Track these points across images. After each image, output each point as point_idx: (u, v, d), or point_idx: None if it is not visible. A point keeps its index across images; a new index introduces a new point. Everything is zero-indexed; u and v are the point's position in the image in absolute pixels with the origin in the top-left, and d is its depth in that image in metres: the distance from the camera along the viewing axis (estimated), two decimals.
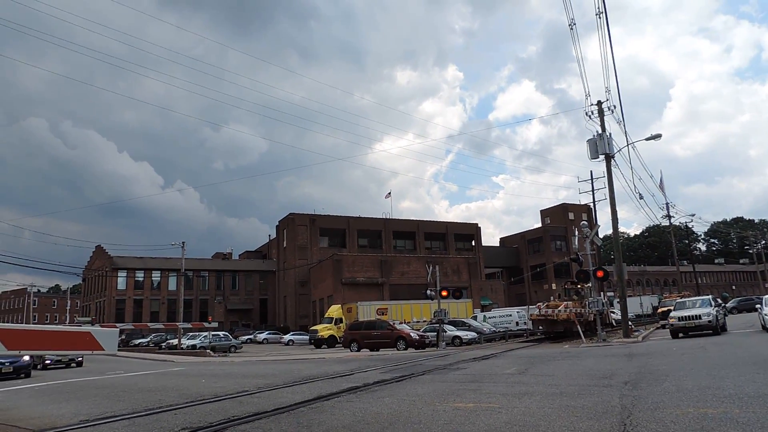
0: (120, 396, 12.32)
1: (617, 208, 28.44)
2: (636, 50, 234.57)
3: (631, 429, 5.81)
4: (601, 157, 27.93)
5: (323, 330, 44.45)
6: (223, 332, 51.26)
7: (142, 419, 8.43)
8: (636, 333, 28.78)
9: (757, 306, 25.28)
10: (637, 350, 18.27)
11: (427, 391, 10.19)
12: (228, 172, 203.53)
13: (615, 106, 28.86)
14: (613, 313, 41.31)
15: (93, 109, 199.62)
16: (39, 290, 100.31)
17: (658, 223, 57.66)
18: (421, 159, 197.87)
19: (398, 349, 29.85)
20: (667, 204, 53.32)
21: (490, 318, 44.32)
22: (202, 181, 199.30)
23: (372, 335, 31.87)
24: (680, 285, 70.04)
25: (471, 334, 34.87)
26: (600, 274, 27.15)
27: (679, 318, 23.25)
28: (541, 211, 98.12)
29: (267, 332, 62.10)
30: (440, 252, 78.09)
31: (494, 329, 39.36)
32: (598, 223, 46.71)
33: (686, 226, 69.55)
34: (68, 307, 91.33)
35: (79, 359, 29.27)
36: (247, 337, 60.25)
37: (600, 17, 22.29)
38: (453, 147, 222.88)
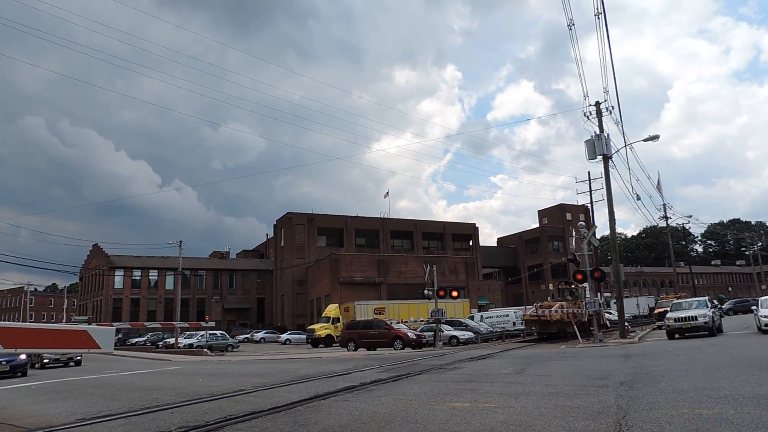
0: (116, 395, 12.31)
1: (615, 209, 28.51)
2: (634, 51, 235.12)
3: (626, 429, 5.83)
4: (599, 157, 27.98)
5: (320, 329, 44.43)
6: (220, 331, 51.22)
7: (139, 418, 8.43)
8: (632, 334, 28.85)
9: (753, 308, 25.36)
10: (633, 351, 18.30)
11: (423, 390, 10.20)
12: (226, 172, 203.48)
13: (613, 107, 28.90)
14: (609, 313, 41.37)
15: (91, 108, 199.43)
16: (36, 289, 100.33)
17: (656, 224, 57.74)
18: (419, 159, 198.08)
19: (395, 349, 29.87)
20: (664, 205, 53.52)
21: (487, 318, 44.39)
22: (201, 180, 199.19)
23: (369, 335, 31.88)
24: (677, 286, 70.13)
25: (468, 334, 34.90)
26: (597, 274, 27.21)
27: (675, 319, 23.32)
28: (539, 212, 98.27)
29: (264, 331, 62.07)
30: (438, 252, 78.12)
31: (491, 329, 39.42)
32: (596, 223, 46.77)
33: (683, 227, 69.78)
34: (65, 306, 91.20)
35: (78, 358, 29.11)
36: (244, 336, 60.21)
37: (599, 18, 22.38)
38: (451, 147, 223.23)
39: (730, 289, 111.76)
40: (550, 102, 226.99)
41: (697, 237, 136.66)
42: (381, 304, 48.10)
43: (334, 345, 41.27)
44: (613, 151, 28.51)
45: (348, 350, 31.50)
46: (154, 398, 11.00)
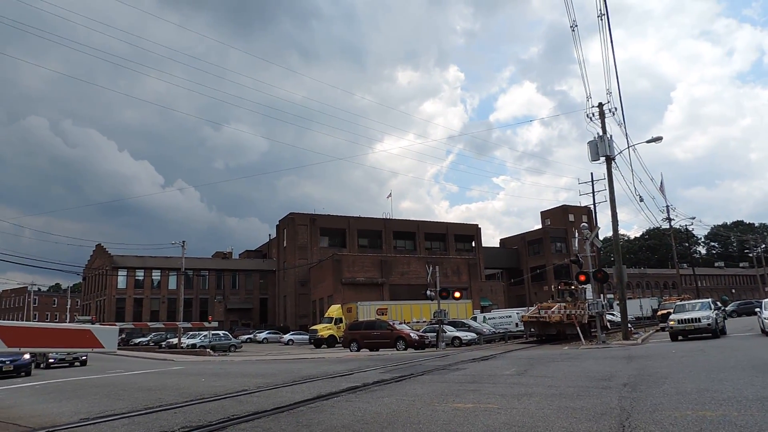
0: (120, 395, 12.34)
1: (617, 211, 28.48)
2: (637, 53, 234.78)
3: (629, 431, 5.83)
4: (602, 159, 27.94)
5: (323, 330, 44.47)
6: (223, 331, 51.28)
7: (142, 418, 8.45)
8: (635, 335, 28.80)
9: (757, 309, 25.27)
10: (636, 352, 18.27)
11: (426, 391, 10.20)
12: (228, 172, 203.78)
13: (616, 109, 28.93)
14: (612, 315, 41.25)
15: (94, 107, 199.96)
16: (39, 289, 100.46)
17: (659, 225, 57.70)
18: (421, 159, 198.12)
19: (398, 350, 29.87)
20: (667, 207, 53.39)
21: (489, 319, 44.35)
22: (203, 180, 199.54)
23: (372, 335, 31.89)
24: (680, 288, 70.03)
25: (470, 335, 34.87)
26: (600, 275, 27.16)
27: (678, 321, 23.28)
28: (542, 213, 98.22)
29: (267, 332, 62.13)
30: (440, 252, 78.10)
31: (494, 330, 39.39)
32: (599, 225, 46.80)
33: (686, 229, 69.63)
34: (68, 306, 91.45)
35: (83, 358, 29.06)
36: (246, 336, 60.29)
37: (602, 19, 22.30)
38: (453, 147, 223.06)
39: (733, 291, 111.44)
40: (552, 103, 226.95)
41: (701, 239, 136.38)
42: (383, 305, 48.12)
43: (336, 345, 41.29)
44: (616, 153, 28.47)
45: (351, 351, 31.51)
46: (157, 398, 11.02)
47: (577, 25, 23.94)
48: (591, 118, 28.66)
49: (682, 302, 28.92)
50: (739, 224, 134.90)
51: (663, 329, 32.04)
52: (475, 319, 44.13)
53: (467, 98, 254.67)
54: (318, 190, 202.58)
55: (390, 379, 12.59)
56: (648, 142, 29.20)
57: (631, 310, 41.45)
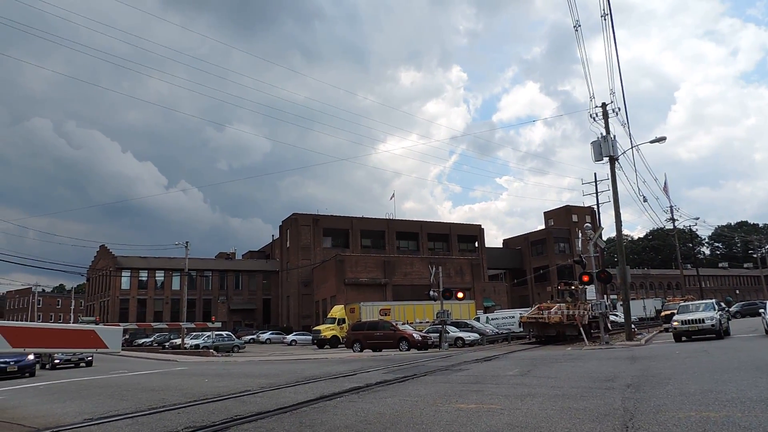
0: (123, 395, 12.37)
1: (621, 211, 28.47)
2: (641, 53, 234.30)
3: (633, 431, 5.82)
4: (605, 159, 27.90)
5: (326, 330, 44.49)
6: (226, 332, 51.36)
7: (146, 418, 8.47)
8: (639, 336, 28.73)
9: (761, 310, 25.24)
10: (639, 353, 18.23)
11: (429, 391, 10.20)
12: (231, 172, 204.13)
13: (619, 109, 28.79)
14: (615, 315, 41.16)
15: (97, 109, 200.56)
16: (43, 290, 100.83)
17: (662, 226, 57.53)
18: (424, 160, 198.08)
19: (401, 350, 29.87)
20: (671, 207, 53.26)
21: (492, 319, 44.27)
22: (206, 181, 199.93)
23: (375, 336, 31.89)
24: (684, 288, 69.78)
25: (474, 336, 34.84)
26: (603, 276, 27.12)
27: (682, 321, 23.21)
28: (545, 213, 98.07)
29: (270, 332, 62.20)
30: (443, 253, 78.07)
31: (497, 331, 39.32)
32: (602, 225, 46.55)
33: (690, 229, 69.51)
34: (72, 307, 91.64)
35: (89, 358, 29.06)
36: (250, 337, 60.38)
37: (605, 19, 22.29)
38: (456, 148, 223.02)
39: (737, 291, 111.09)
40: (555, 103, 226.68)
41: (705, 239, 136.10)
42: (386, 305, 48.11)
43: (339, 346, 41.30)
44: (619, 153, 28.43)
45: (353, 351, 31.52)
46: (161, 398, 11.05)
47: (580, 25, 23.91)
48: (594, 119, 28.64)
49: (686, 303, 28.84)
50: (743, 225, 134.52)
51: (666, 330, 31.92)
52: (478, 319, 44.06)
53: (470, 98, 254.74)
54: (321, 190, 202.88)
55: (393, 380, 12.59)
56: (652, 142, 29.13)
57: (635, 310, 41.40)
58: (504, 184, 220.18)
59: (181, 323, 46.98)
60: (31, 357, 22.54)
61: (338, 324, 45.23)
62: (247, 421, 7.66)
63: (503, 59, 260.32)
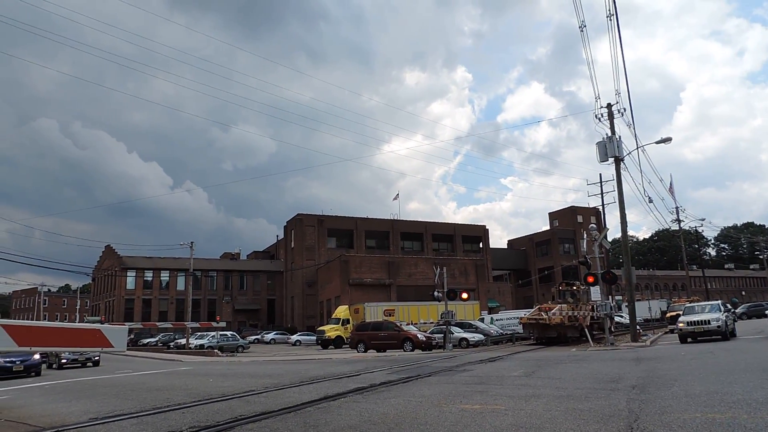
0: (128, 395, 12.40)
1: (626, 212, 28.35)
2: (646, 53, 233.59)
3: None
4: (611, 160, 27.83)
5: (330, 331, 44.52)
6: (231, 332, 51.46)
7: (150, 418, 8.50)
8: (644, 337, 28.61)
9: (767, 312, 25.07)
10: (645, 354, 18.16)
11: (433, 392, 10.19)
12: (236, 173, 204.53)
13: (625, 109, 28.82)
14: (620, 316, 40.97)
15: (103, 109, 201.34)
16: (49, 290, 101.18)
17: (668, 227, 57.45)
18: (429, 160, 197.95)
19: (405, 351, 29.85)
20: (676, 208, 53.03)
21: (497, 320, 44.21)
22: (211, 181, 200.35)
23: (379, 336, 31.88)
24: (689, 290, 69.47)
25: (478, 336, 34.78)
26: (608, 277, 27.04)
27: (688, 323, 23.12)
28: (550, 214, 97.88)
29: (274, 332, 62.26)
30: (448, 253, 77.98)
31: (501, 331, 39.25)
32: (607, 226, 46.49)
33: (696, 230, 69.20)
34: (78, 307, 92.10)
35: (96, 358, 28.98)
36: (254, 337, 60.44)
37: (611, 19, 22.22)
38: (461, 148, 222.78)
39: (743, 293, 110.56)
40: (560, 104, 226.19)
41: (710, 240, 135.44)
42: (391, 306, 48.09)
43: (343, 346, 41.32)
44: (624, 154, 28.35)
45: (358, 352, 31.53)
46: (165, 398, 11.08)
47: (585, 26, 23.86)
48: (599, 119, 28.57)
49: (692, 304, 28.71)
50: (749, 226, 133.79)
51: (672, 331, 31.81)
52: (482, 320, 44.00)
53: (475, 99, 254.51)
54: (325, 191, 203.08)
55: (397, 380, 12.59)
56: (657, 143, 29.05)
57: (640, 312, 41.18)
58: (509, 184, 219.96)
59: (185, 323, 47.08)
60: (36, 356, 22.64)
61: (342, 324, 45.25)
62: (251, 420, 7.67)
63: (508, 60, 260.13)
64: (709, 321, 22.57)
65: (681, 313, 26.53)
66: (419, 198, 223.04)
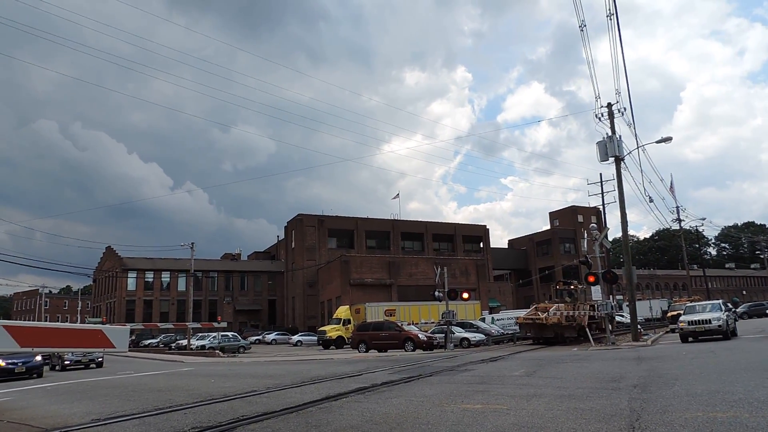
0: (130, 396, 12.42)
1: (627, 211, 28.32)
2: (647, 53, 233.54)
3: (639, 431, 5.81)
4: (611, 159, 27.81)
5: (331, 331, 44.54)
6: (232, 333, 51.49)
7: (152, 419, 8.51)
8: (645, 337, 28.59)
9: None
10: (646, 354, 18.17)
11: (435, 392, 10.20)
12: (236, 173, 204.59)
13: (625, 109, 28.76)
14: (621, 316, 40.95)
15: (103, 110, 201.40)
16: (50, 291, 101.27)
17: (668, 226, 57.38)
18: (429, 160, 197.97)
19: (406, 351, 29.85)
20: (677, 207, 53.04)
21: (498, 320, 44.23)
22: (211, 182, 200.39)
23: (380, 336, 31.89)
24: (690, 289, 69.43)
25: (479, 336, 34.78)
26: (609, 276, 27.03)
27: (689, 322, 23.11)
28: (550, 214, 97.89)
29: (275, 333, 62.29)
30: (448, 253, 78.00)
31: (502, 331, 39.25)
32: (608, 225, 46.52)
33: (697, 230, 69.22)
34: (79, 308, 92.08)
35: (99, 359, 28.95)
36: (255, 337, 60.47)
37: (611, 19, 22.21)
38: (461, 148, 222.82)
39: (744, 292, 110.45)
40: (561, 104, 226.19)
41: (711, 240, 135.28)
42: (392, 306, 48.11)
43: (345, 346, 41.33)
44: (625, 153, 28.33)
45: (359, 352, 31.53)
46: (167, 399, 11.09)
47: (585, 25, 23.85)
48: (600, 119, 28.55)
49: (693, 303, 28.69)
50: (750, 225, 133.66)
51: (673, 331, 31.79)
52: (483, 320, 44.02)
53: (475, 99, 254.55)
54: (326, 191, 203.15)
55: (398, 380, 12.60)
56: (657, 142, 29.04)
57: (641, 311, 41.12)
58: (509, 184, 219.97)
59: (187, 324, 47.11)
60: (38, 358, 22.67)
61: (343, 324, 45.27)
62: (253, 421, 7.69)
63: (508, 59, 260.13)
64: (710, 320, 22.56)
65: (682, 312, 26.52)
66: (419, 198, 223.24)
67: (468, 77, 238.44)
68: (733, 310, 34.69)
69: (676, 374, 11.15)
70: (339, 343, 43.04)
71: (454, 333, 32.74)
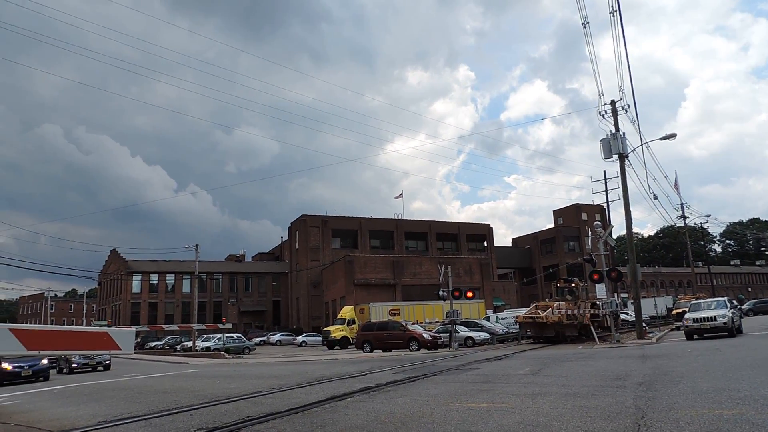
0: (136, 398, 12.47)
1: (631, 209, 28.26)
2: (650, 49, 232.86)
3: (645, 429, 5.80)
4: (615, 156, 27.75)
5: (336, 331, 44.58)
6: (237, 334, 51.61)
7: (159, 420, 8.55)
8: (650, 334, 28.53)
9: None
10: (651, 352, 18.13)
11: (440, 391, 10.21)
12: (240, 175, 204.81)
13: (629, 106, 28.73)
14: (626, 314, 40.81)
15: (106, 114, 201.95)
16: (56, 295, 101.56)
17: (673, 223, 57.07)
18: (432, 159, 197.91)
19: (411, 350, 29.86)
20: (681, 204, 52.91)
21: (502, 319, 44.15)
22: (215, 183, 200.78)
23: (384, 336, 31.90)
24: (695, 286, 69.24)
25: (483, 335, 34.76)
26: (614, 274, 26.98)
27: (694, 319, 23.04)
28: (554, 212, 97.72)
29: (280, 334, 62.39)
30: (452, 253, 77.97)
31: (507, 330, 39.19)
32: (612, 223, 46.32)
33: (701, 227, 68.89)
34: (85, 311, 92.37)
35: (107, 362, 28.95)
36: (260, 338, 60.57)
37: (614, 16, 22.18)
38: (465, 147, 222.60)
39: (749, 289, 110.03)
40: (564, 101, 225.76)
41: (716, 237, 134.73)
42: (396, 306, 48.12)
43: (349, 347, 41.36)
44: (629, 150, 28.26)
45: (363, 352, 31.56)
46: (173, 400, 11.13)
47: (588, 22, 23.80)
48: (603, 116, 28.49)
49: (698, 301, 28.59)
50: (755, 222, 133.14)
51: (678, 328, 31.69)
52: (488, 319, 43.98)
53: (478, 97, 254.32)
54: (329, 191, 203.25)
55: (403, 380, 12.61)
56: (662, 139, 28.95)
57: (646, 309, 41.00)
58: (513, 182, 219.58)
59: (192, 326, 47.21)
60: (44, 361, 22.77)
61: (348, 325, 45.30)
62: (259, 421, 7.71)
63: (511, 58, 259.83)
64: (715, 318, 22.49)
65: (687, 310, 26.43)
66: (423, 197, 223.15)
67: (471, 76, 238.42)
68: (739, 307, 34.55)
69: (681, 372, 11.13)
70: (343, 343, 43.08)
71: (458, 332, 32.72)
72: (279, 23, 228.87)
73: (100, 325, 71.67)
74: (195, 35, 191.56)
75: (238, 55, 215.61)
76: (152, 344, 59.85)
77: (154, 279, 75.55)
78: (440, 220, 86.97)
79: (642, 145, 30.47)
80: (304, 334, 56.98)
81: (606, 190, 45.42)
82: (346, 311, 48.27)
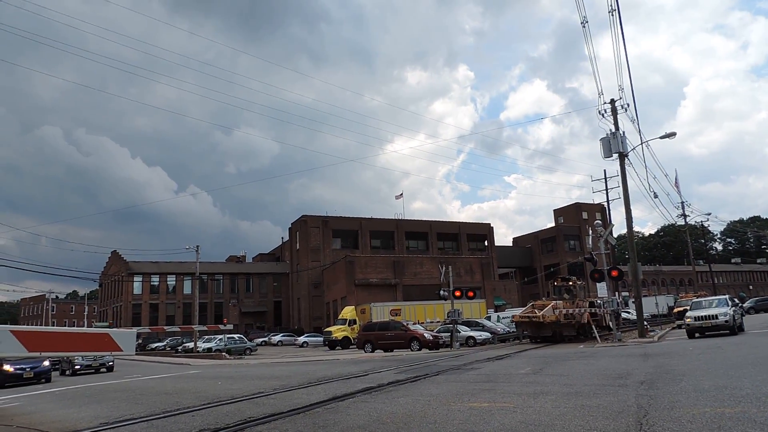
0: (138, 399, 12.47)
1: (631, 207, 28.25)
2: (649, 48, 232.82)
3: (647, 428, 5.79)
4: (615, 155, 27.74)
5: (337, 331, 44.58)
6: (238, 335, 51.60)
7: (160, 421, 8.55)
8: (651, 333, 28.50)
9: None
10: (652, 350, 18.12)
11: (441, 391, 10.21)
12: (240, 176, 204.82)
13: (628, 105, 28.67)
14: (627, 312, 40.79)
15: (106, 115, 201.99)
16: (57, 296, 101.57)
17: (674, 222, 57.10)
18: (432, 159, 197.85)
19: (412, 350, 29.86)
20: (682, 203, 52.91)
21: (503, 318, 44.11)
22: (215, 184, 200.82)
23: (386, 336, 31.91)
24: (696, 285, 69.21)
25: (485, 335, 34.74)
26: (614, 273, 26.95)
27: (695, 318, 23.01)
28: (555, 211, 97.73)
29: (281, 334, 62.39)
30: (453, 252, 77.95)
31: (508, 329, 39.16)
32: (612, 222, 46.27)
33: (702, 225, 68.78)
34: (86, 313, 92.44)
35: (110, 363, 28.95)
36: (261, 339, 60.56)
37: (613, 15, 22.15)
38: (464, 147, 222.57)
39: (751, 287, 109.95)
40: (563, 101, 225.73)
41: (717, 235, 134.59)
42: (397, 306, 48.11)
43: (351, 347, 41.36)
44: (629, 149, 28.25)
45: (365, 352, 31.56)
46: (175, 402, 11.13)
47: (587, 22, 23.79)
48: (603, 115, 28.47)
49: (699, 299, 28.55)
50: (755, 220, 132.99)
51: (680, 327, 31.67)
52: (489, 318, 43.97)
53: (477, 97, 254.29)
54: (329, 192, 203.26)
55: (405, 380, 12.60)
56: (661, 138, 28.93)
57: (647, 307, 41.01)
58: (513, 182, 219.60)
59: (193, 327, 47.23)
60: (46, 363, 22.78)
61: (349, 325, 45.30)
62: (260, 422, 7.71)
63: (510, 57, 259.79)
64: (716, 316, 22.46)
65: (688, 308, 26.40)
66: (423, 197, 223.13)
67: (470, 76, 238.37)
68: (740, 305, 34.52)
69: (683, 370, 11.12)
70: (345, 343, 43.08)
71: (459, 332, 32.70)
72: (278, 24, 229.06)
73: (102, 327, 71.76)
74: (194, 36, 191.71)
75: (237, 55, 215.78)
76: (153, 345, 59.89)
77: (155, 280, 75.59)
78: (441, 219, 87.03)
79: (642, 143, 30.45)
80: (306, 335, 56.98)
81: (606, 189, 45.39)
82: (348, 311, 48.26)
